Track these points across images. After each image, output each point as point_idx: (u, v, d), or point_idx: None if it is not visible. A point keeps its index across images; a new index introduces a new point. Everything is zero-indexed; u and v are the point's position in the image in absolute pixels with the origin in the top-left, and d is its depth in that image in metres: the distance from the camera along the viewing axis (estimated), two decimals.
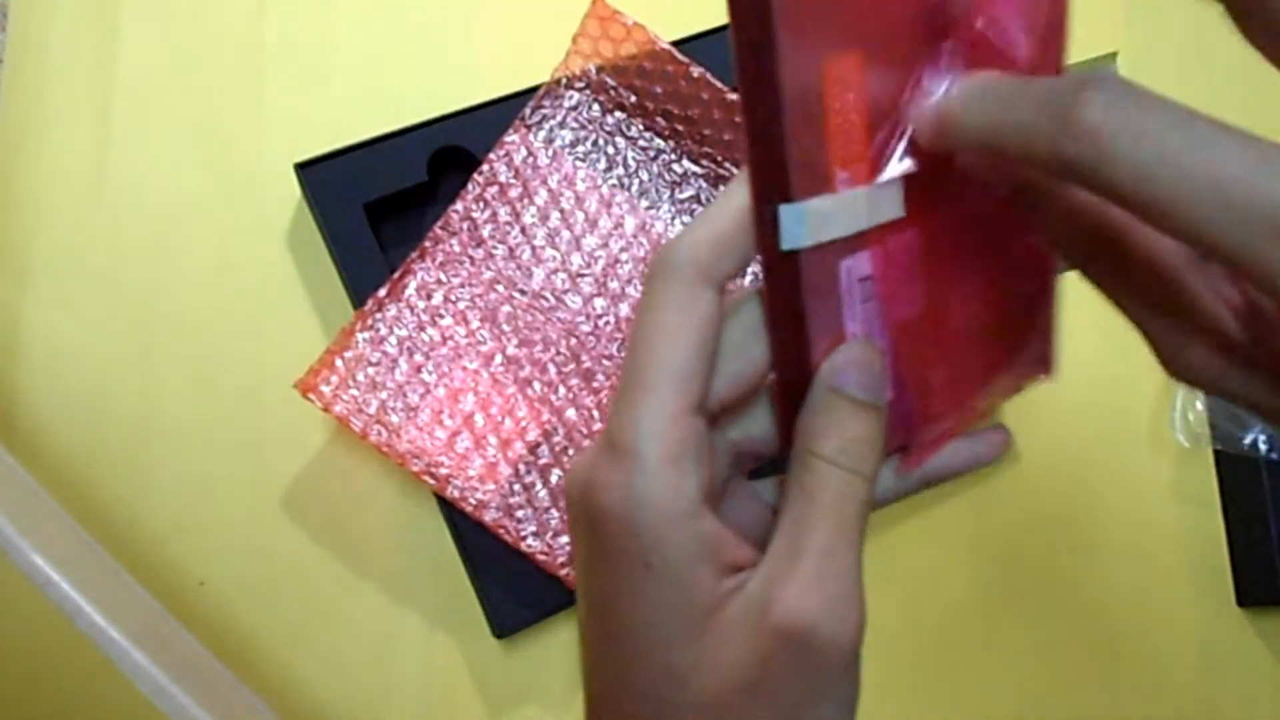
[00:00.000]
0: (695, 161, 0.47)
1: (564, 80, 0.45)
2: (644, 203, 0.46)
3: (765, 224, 0.23)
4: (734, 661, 0.23)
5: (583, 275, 0.45)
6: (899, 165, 0.23)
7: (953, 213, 0.25)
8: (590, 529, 0.24)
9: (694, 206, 0.46)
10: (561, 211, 0.45)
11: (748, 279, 0.43)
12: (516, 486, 0.42)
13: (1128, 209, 0.19)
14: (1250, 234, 0.18)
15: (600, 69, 0.45)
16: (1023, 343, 0.28)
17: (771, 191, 0.22)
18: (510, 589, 0.42)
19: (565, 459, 0.43)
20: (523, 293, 0.44)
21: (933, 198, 0.24)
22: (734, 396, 0.25)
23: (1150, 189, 0.18)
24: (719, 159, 0.46)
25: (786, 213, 0.22)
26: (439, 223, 0.44)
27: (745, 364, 0.24)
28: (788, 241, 0.23)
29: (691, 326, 0.23)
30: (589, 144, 0.46)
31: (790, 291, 0.23)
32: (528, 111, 0.45)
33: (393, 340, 0.42)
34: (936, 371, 0.26)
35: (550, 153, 0.45)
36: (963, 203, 0.25)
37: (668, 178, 0.47)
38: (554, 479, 0.42)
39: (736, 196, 0.23)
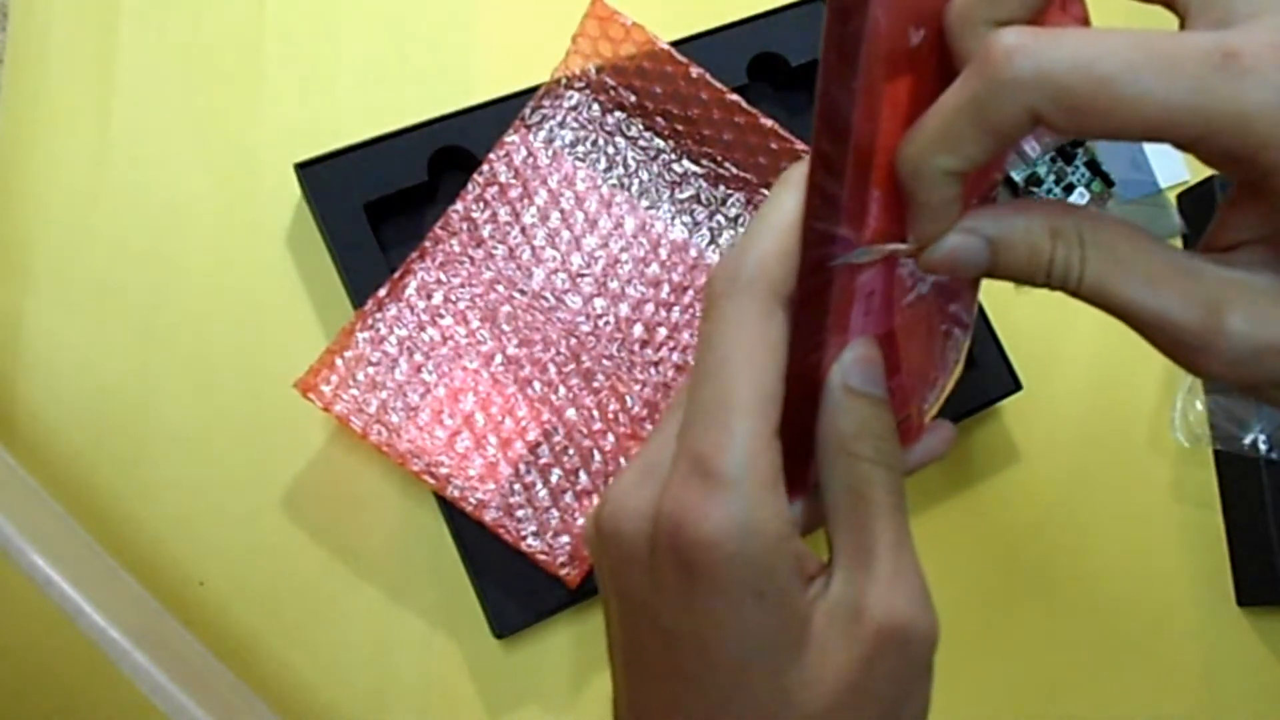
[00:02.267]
0: (695, 161, 0.47)
1: (564, 80, 0.45)
2: (644, 203, 0.46)
3: (813, 239, 0.23)
4: (836, 668, 0.23)
5: (583, 275, 0.45)
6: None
7: None
8: (685, 564, 0.23)
9: (694, 206, 0.46)
10: (561, 211, 0.45)
11: None
12: (516, 486, 0.42)
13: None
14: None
15: (600, 69, 0.45)
16: (945, 360, 0.30)
17: (825, 211, 0.23)
18: (510, 589, 0.42)
19: (565, 459, 0.43)
20: (523, 293, 0.44)
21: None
22: None
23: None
24: (719, 159, 0.46)
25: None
26: (439, 223, 0.44)
27: None
28: (838, 259, 0.23)
29: (770, 345, 0.23)
30: (589, 144, 0.46)
31: (819, 299, 0.24)
32: (528, 111, 0.45)
33: (393, 340, 0.42)
34: (894, 380, 0.27)
35: (550, 153, 0.45)
36: None
37: (668, 178, 0.47)
38: (554, 479, 0.42)
39: (786, 209, 0.23)
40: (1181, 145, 0.21)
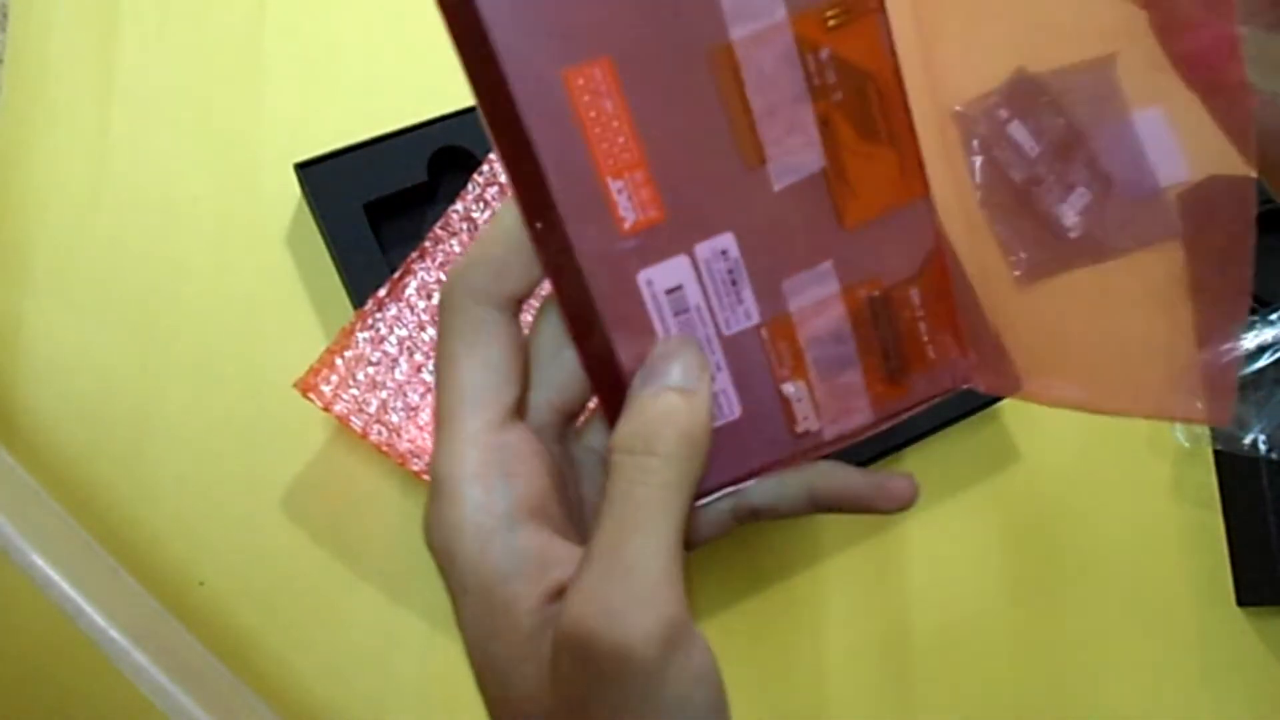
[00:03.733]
0: None
1: None
2: None
3: (541, 238, 0.22)
4: (554, 683, 0.21)
5: None
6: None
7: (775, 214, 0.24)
8: (439, 569, 0.23)
9: None
10: None
11: None
12: None
13: None
14: None
15: None
16: (919, 354, 0.26)
17: (536, 209, 0.22)
18: None
19: None
20: None
21: (749, 202, 0.23)
22: (568, 401, 0.24)
23: None
24: None
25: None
26: (439, 223, 0.44)
27: (560, 369, 0.24)
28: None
29: (475, 349, 0.23)
30: None
31: (580, 300, 0.23)
32: None
33: (393, 340, 0.42)
34: (802, 382, 0.25)
35: None
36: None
37: None
38: None
39: (507, 216, 0.23)
40: None
